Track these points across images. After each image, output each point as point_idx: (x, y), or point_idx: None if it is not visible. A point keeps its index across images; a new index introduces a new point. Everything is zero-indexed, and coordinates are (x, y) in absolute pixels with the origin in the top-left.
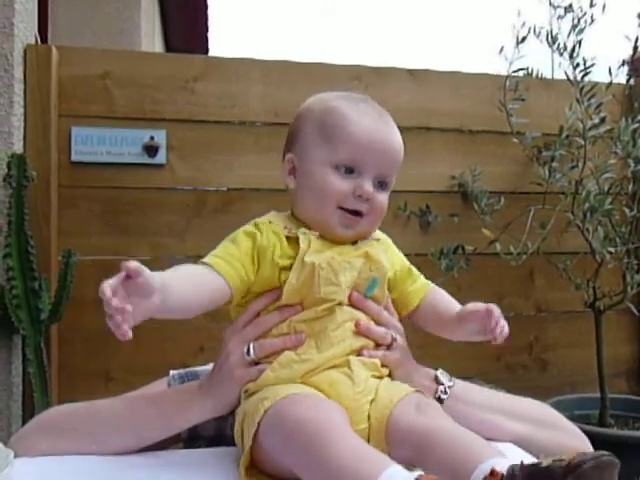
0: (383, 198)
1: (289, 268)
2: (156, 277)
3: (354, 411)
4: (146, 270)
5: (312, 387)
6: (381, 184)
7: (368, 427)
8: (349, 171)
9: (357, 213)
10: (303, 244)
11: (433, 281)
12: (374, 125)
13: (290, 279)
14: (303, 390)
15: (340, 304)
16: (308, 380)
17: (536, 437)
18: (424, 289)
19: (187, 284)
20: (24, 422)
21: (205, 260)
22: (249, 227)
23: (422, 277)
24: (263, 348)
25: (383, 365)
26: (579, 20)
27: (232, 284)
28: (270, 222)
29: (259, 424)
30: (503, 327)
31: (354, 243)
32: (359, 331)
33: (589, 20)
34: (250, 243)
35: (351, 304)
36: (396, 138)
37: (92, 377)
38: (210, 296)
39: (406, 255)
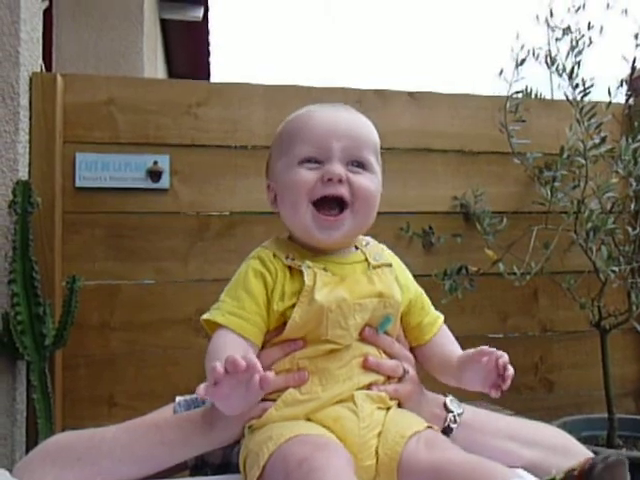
0: (364, 180)
1: (292, 307)
2: None
3: (360, 447)
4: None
5: (317, 423)
6: (358, 166)
7: (376, 462)
8: (314, 162)
9: (341, 206)
10: (308, 280)
11: (437, 302)
12: (329, 114)
13: (294, 316)
14: (308, 430)
15: (347, 346)
16: (313, 416)
17: (550, 463)
18: (437, 323)
19: None
20: (28, 449)
21: (220, 320)
22: (256, 264)
23: (432, 307)
24: None
25: (392, 398)
26: (577, 42)
27: (256, 341)
28: (274, 255)
29: (264, 467)
30: (509, 375)
31: (366, 263)
32: (368, 368)
33: (587, 42)
34: (262, 289)
35: (362, 339)
36: (358, 119)
37: (96, 402)
38: None
39: None
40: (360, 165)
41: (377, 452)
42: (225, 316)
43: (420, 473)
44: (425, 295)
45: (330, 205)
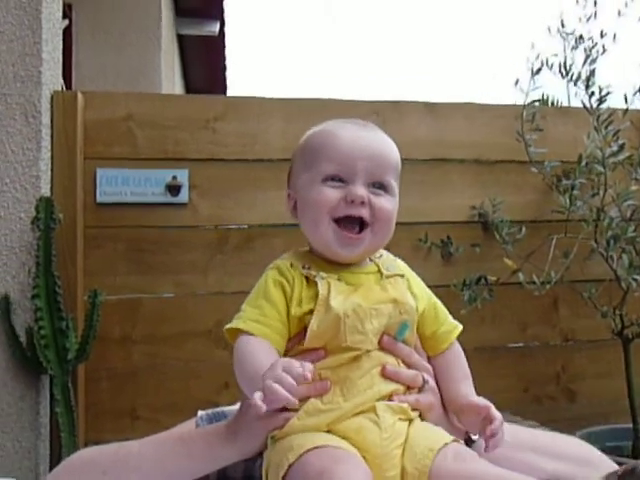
0: (385, 202)
1: (310, 312)
2: None
3: (382, 458)
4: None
5: (338, 435)
6: (379, 188)
7: (401, 474)
8: (338, 181)
9: (361, 225)
10: (322, 289)
11: (456, 313)
12: (354, 133)
13: (311, 325)
14: (327, 441)
15: (368, 351)
16: (334, 427)
17: (573, 475)
18: (455, 331)
19: None
20: (51, 462)
21: (242, 327)
22: (275, 274)
23: (450, 317)
24: None
25: (414, 409)
26: (591, 50)
27: (278, 347)
28: (292, 265)
29: (283, 478)
30: (498, 439)
31: (379, 274)
32: (386, 376)
33: (601, 50)
34: (282, 296)
35: (382, 348)
36: (382, 140)
37: (119, 416)
38: None
39: (428, 287)
40: (381, 187)
41: (404, 465)
42: (247, 323)
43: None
44: (441, 304)
45: (351, 222)
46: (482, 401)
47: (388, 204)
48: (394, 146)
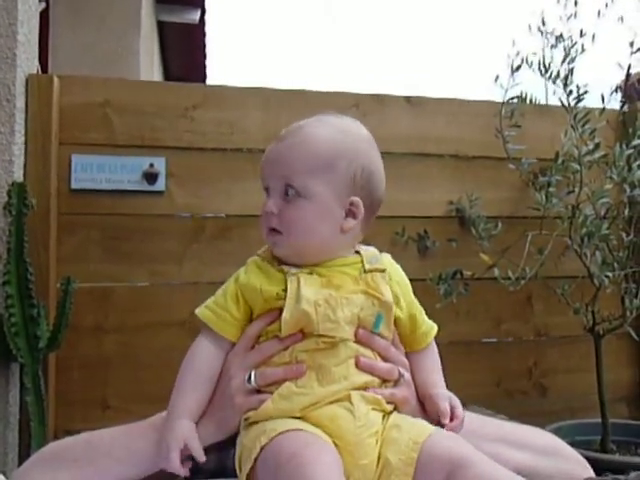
0: (291, 210)
1: (284, 298)
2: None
3: (356, 446)
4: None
5: (313, 422)
6: (289, 193)
7: (377, 463)
8: (267, 192)
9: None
10: (290, 285)
11: (432, 307)
12: (271, 144)
13: (284, 316)
14: (300, 426)
15: (344, 340)
16: (309, 414)
17: (539, 466)
18: (431, 333)
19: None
20: (20, 451)
21: (200, 315)
22: (247, 268)
23: (425, 317)
24: (264, 377)
25: (389, 402)
26: (570, 49)
27: (228, 335)
28: (262, 259)
29: (255, 460)
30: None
31: (360, 267)
32: (360, 368)
33: (580, 49)
34: (233, 286)
35: (358, 341)
36: (295, 142)
37: (90, 405)
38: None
39: None
40: (291, 191)
41: (387, 457)
42: (203, 311)
43: (441, 459)
44: (419, 306)
45: None
46: (443, 403)
47: (294, 211)
48: (314, 142)
